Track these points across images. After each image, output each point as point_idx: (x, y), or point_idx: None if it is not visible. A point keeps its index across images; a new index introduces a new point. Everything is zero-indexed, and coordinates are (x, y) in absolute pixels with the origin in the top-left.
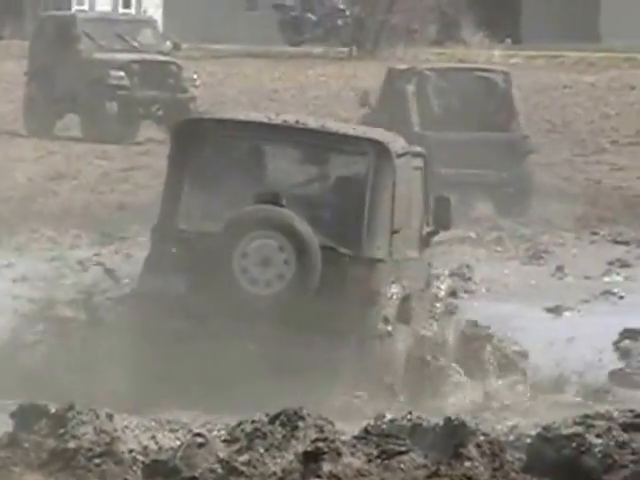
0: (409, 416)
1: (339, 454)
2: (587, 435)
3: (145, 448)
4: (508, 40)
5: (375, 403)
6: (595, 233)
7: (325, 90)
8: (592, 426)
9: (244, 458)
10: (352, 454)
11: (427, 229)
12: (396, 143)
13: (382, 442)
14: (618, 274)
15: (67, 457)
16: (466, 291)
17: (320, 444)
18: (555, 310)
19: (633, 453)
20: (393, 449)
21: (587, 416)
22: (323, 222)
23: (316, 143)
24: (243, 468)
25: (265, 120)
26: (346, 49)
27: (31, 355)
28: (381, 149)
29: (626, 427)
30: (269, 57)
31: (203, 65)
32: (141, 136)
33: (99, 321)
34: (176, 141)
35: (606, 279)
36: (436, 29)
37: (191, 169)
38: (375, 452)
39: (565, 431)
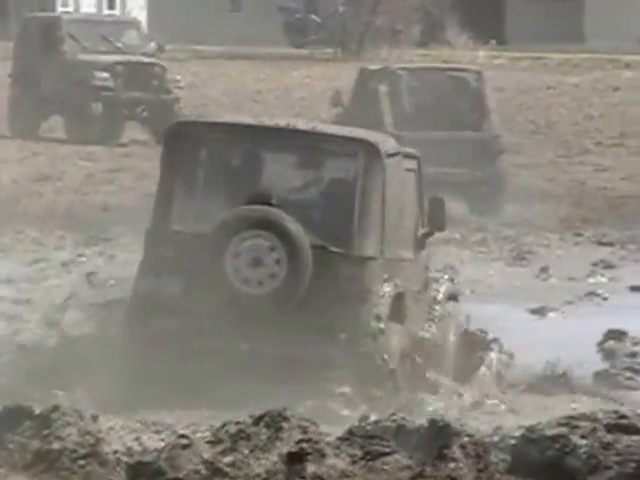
0: (393, 417)
1: (323, 455)
2: (571, 436)
3: (129, 449)
4: (492, 41)
5: (367, 401)
6: (579, 234)
7: (309, 91)
8: (576, 427)
9: (228, 459)
10: (336, 455)
11: (422, 230)
12: (386, 144)
13: (366, 443)
14: (602, 275)
15: (51, 458)
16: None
17: (304, 445)
18: (539, 311)
19: (617, 454)
20: (377, 450)
21: (571, 417)
22: (314, 221)
23: (307, 145)
24: (227, 469)
25: (257, 123)
26: (331, 50)
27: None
28: (370, 149)
29: (611, 428)
30: (253, 58)
31: (187, 66)
32: (125, 137)
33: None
34: (169, 143)
35: (590, 280)
36: (420, 30)
37: (184, 171)
38: (359, 453)
39: (549, 432)
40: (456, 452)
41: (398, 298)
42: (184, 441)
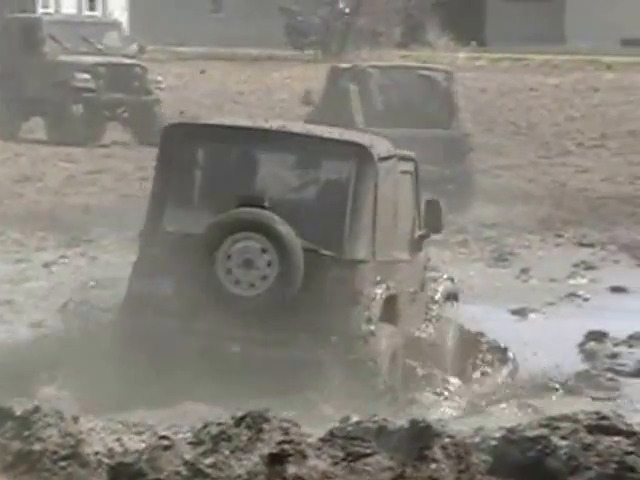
0: (375, 418)
1: (304, 456)
2: (552, 437)
3: (110, 450)
4: (473, 43)
5: (357, 403)
6: (560, 235)
7: (289, 92)
8: (557, 428)
9: (209, 460)
10: (317, 456)
11: (419, 232)
12: (380, 147)
13: (347, 444)
14: (583, 276)
15: (32, 460)
16: None
17: (285, 446)
18: (520, 312)
19: (598, 455)
20: (359, 451)
21: (552, 418)
22: (306, 224)
23: (301, 147)
24: (208, 470)
25: (251, 125)
26: (313, 51)
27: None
28: (363, 153)
29: (591, 429)
30: (235, 59)
31: (168, 67)
32: (106, 138)
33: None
34: (164, 144)
35: (571, 281)
36: (401, 32)
37: (178, 172)
38: (341, 454)
39: (530, 433)
40: (437, 453)
41: (390, 300)
42: (165, 442)
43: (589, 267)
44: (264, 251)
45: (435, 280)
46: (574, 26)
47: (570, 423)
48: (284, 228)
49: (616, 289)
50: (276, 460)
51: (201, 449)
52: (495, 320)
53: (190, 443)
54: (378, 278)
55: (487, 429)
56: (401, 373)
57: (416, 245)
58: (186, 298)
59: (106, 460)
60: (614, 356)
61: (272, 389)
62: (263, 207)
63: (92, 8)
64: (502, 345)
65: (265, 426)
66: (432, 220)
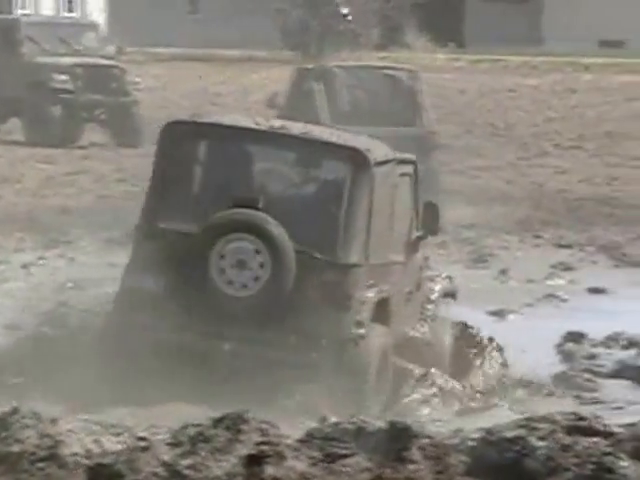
0: (353, 419)
1: (283, 457)
2: (530, 438)
3: (89, 452)
4: (452, 44)
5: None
6: (538, 236)
7: (266, 94)
8: (535, 429)
9: (187, 462)
10: (296, 457)
11: (416, 233)
12: (377, 151)
13: (326, 445)
14: (561, 277)
15: (10, 461)
16: None
17: (264, 447)
18: (498, 313)
19: (576, 456)
20: (337, 452)
21: (530, 419)
22: (300, 227)
23: (298, 149)
24: (186, 472)
25: (250, 125)
26: (292, 52)
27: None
28: (359, 157)
29: (569, 430)
30: (213, 61)
31: (146, 69)
32: (85, 140)
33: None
34: (162, 142)
35: (549, 282)
36: (380, 33)
37: (174, 170)
38: (319, 455)
39: (508, 434)
40: (415, 454)
41: (382, 302)
42: (143, 443)
43: (567, 268)
44: (257, 252)
45: (432, 279)
46: (552, 27)
47: (548, 424)
48: (277, 230)
49: (594, 290)
50: (254, 461)
51: (179, 450)
52: (473, 321)
53: (168, 444)
54: (370, 281)
55: (465, 430)
56: (393, 373)
57: (412, 246)
58: (178, 296)
59: (84, 461)
60: (592, 357)
61: (261, 389)
62: (257, 208)
63: (70, 9)
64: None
65: (243, 427)
66: (429, 222)
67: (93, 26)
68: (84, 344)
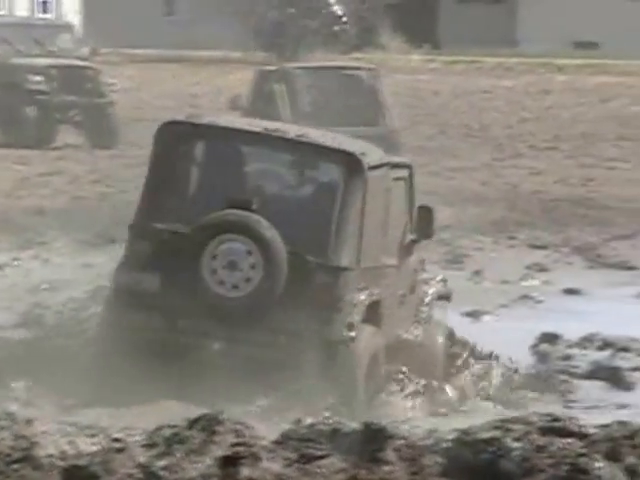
0: (328, 420)
1: (258, 459)
2: (505, 439)
3: (63, 453)
4: (426, 45)
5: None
6: (513, 237)
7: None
8: (510, 430)
9: (163, 463)
10: (271, 459)
11: (410, 237)
12: (372, 155)
13: (301, 446)
14: (536, 278)
15: None
16: None
17: (239, 449)
18: (473, 314)
19: (551, 457)
20: (312, 453)
21: (505, 420)
22: (293, 229)
23: (292, 152)
24: (162, 473)
25: (245, 127)
26: (266, 54)
27: None
28: (352, 161)
29: (544, 431)
30: (188, 62)
31: (121, 70)
32: (60, 141)
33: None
34: (157, 142)
35: (524, 283)
36: (355, 34)
37: (169, 170)
38: (294, 456)
39: (483, 435)
40: (390, 455)
41: (374, 305)
42: (118, 445)
43: (542, 269)
44: (249, 253)
45: (426, 282)
46: (526, 29)
47: (523, 425)
48: (270, 232)
49: (569, 291)
50: (229, 462)
51: (154, 451)
52: (448, 322)
53: (143, 446)
54: (362, 284)
55: (440, 431)
56: (383, 374)
57: (406, 250)
58: (170, 295)
59: (59, 463)
60: (567, 358)
61: (250, 389)
62: (251, 210)
63: (45, 11)
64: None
65: (218, 428)
66: (423, 226)
67: (68, 27)
68: (60, 345)
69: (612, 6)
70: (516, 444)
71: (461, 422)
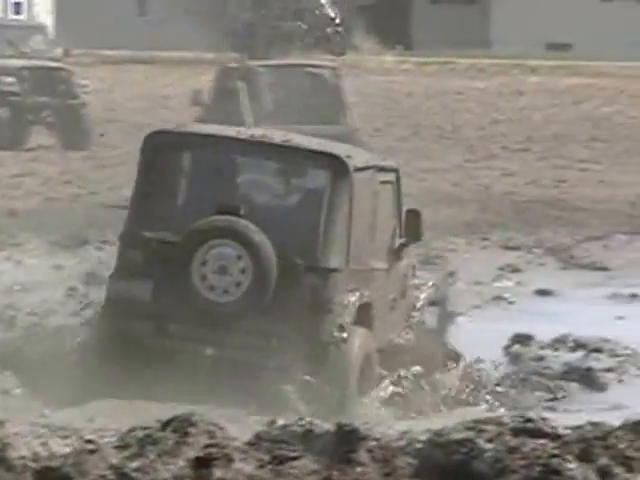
0: (301, 422)
1: (230, 460)
2: (478, 440)
3: (36, 455)
4: (399, 46)
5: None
6: (486, 238)
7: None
8: (483, 431)
9: (135, 464)
10: (243, 460)
11: (399, 241)
12: (358, 158)
13: (274, 448)
14: (509, 279)
15: None
16: None
17: (211, 450)
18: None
19: (523, 458)
20: (285, 455)
21: (478, 421)
22: (282, 233)
23: (279, 157)
24: (134, 474)
25: (231, 134)
26: (238, 55)
27: None
28: (338, 164)
29: (517, 432)
30: (161, 62)
31: (94, 71)
32: (32, 142)
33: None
34: (145, 151)
35: (497, 284)
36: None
37: (157, 179)
38: (267, 458)
39: (456, 436)
40: (363, 456)
41: (365, 307)
42: (91, 446)
43: (515, 270)
44: (239, 258)
45: (418, 287)
46: (499, 30)
47: (495, 426)
48: (259, 236)
49: (542, 292)
50: (202, 464)
51: (127, 453)
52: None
53: (116, 447)
54: (352, 286)
55: (413, 432)
56: (372, 379)
57: (396, 254)
58: (163, 303)
59: (32, 464)
60: (540, 359)
61: (243, 393)
62: (239, 215)
63: (17, 12)
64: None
65: (191, 430)
66: (412, 229)
67: (41, 28)
68: (34, 346)
69: (585, 7)
70: (489, 445)
71: (434, 423)
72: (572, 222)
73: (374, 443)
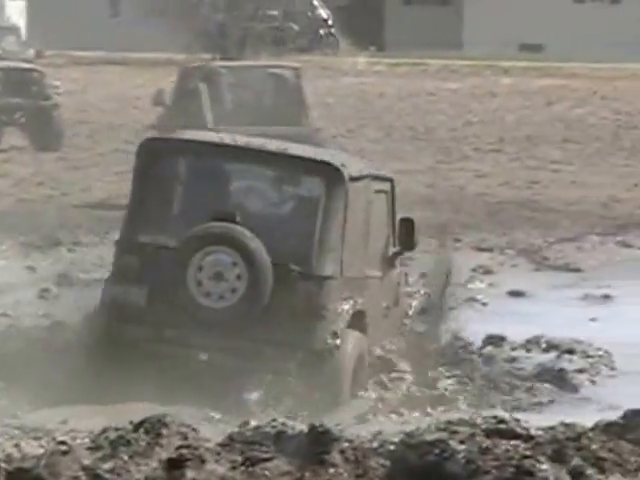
0: (273, 423)
1: (203, 461)
2: (450, 441)
3: (9, 456)
4: (372, 47)
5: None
6: (458, 240)
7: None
8: (455, 432)
9: (108, 465)
10: (216, 461)
11: (393, 249)
12: (352, 167)
13: (246, 449)
14: (482, 281)
15: None
16: None
17: (184, 451)
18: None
19: (496, 459)
20: (257, 456)
21: (450, 422)
22: (277, 240)
23: (275, 165)
24: (107, 476)
25: (227, 141)
26: (210, 56)
27: None
28: (333, 172)
29: (489, 433)
30: (133, 64)
31: (66, 72)
32: (4, 143)
33: None
34: (140, 158)
35: (470, 286)
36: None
37: (153, 185)
38: (239, 459)
39: (428, 437)
40: (336, 457)
41: (358, 315)
42: (63, 447)
43: (487, 271)
44: (234, 264)
45: (410, 295)
46: (472, 31)
47: (468, 427)
48: (254, 243)
49: (514, 293)
50: (175, 465)
51: (100, 454)
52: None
53: (89, 448)
54: (346, 294)
55: (385, 433)
56: (365, 385)
57: (389, 262)
58: (158, 308)
59: (4, 465)
60: (512, 360)
61: (237, 397)
62: (235, 222)
63: None
64: None
65: (164, 431)
66: (405, 237)
67: (13, 30)
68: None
69: (557, 9)
70: (461, 446)
71: (407, 424)
72: (545, 223)
73: (347, 444)
